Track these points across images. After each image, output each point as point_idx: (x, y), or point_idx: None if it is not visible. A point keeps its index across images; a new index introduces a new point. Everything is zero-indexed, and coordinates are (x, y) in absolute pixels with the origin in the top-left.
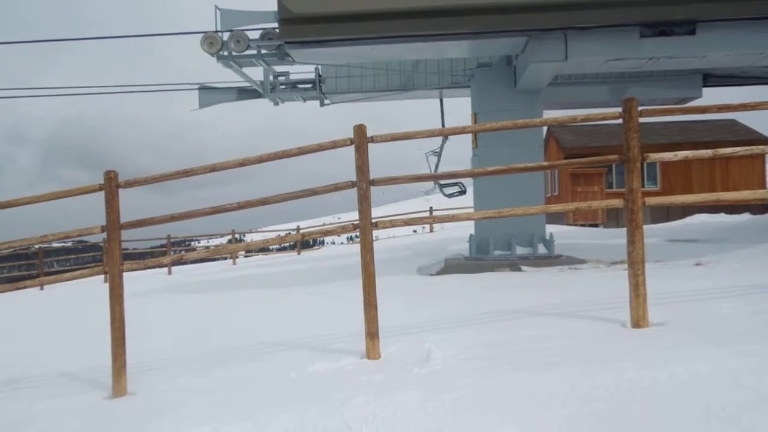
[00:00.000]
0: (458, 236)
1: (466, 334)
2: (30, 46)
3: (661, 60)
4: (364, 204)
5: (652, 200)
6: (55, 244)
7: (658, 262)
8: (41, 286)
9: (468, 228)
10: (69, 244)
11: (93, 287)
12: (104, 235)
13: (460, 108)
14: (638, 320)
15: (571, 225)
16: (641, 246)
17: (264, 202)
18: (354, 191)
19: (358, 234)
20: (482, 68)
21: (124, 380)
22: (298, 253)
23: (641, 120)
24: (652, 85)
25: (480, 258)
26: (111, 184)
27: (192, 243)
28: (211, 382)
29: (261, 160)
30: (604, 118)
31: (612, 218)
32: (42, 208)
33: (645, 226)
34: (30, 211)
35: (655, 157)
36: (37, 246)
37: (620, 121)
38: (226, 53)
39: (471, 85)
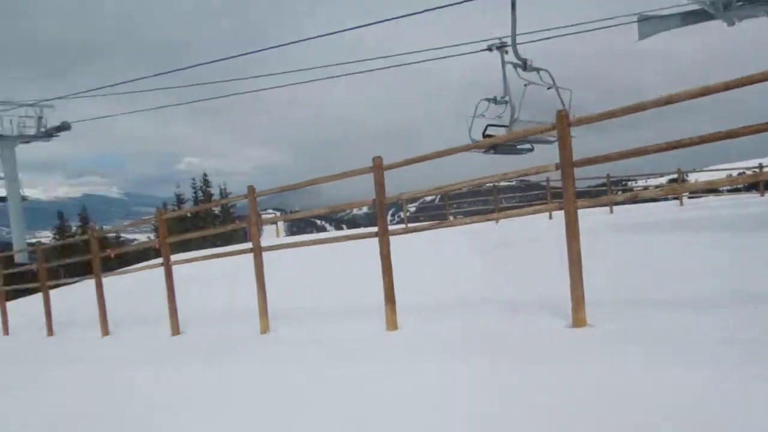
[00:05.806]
0: None
1: None
2: None
3: None
4: None
5: None
6: (503, 183)
7: None
8: (497, 220)
9: None
10: (513, 183)
11: (535, 223)
12: (548, 174)
13: None
14: None
15: None
16: None
17: (729, 135)
18: None
19: None
20: None
21: (582, 312)
22: (762, 195)
23: None
24: None
25: None
26: (563, 122)
27: (629, 183)
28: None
29: (727, 87)
30: None
31: None
32: None
33: None
34: None
35: None
36: (490, 184)
37: None
38: None
39: None
